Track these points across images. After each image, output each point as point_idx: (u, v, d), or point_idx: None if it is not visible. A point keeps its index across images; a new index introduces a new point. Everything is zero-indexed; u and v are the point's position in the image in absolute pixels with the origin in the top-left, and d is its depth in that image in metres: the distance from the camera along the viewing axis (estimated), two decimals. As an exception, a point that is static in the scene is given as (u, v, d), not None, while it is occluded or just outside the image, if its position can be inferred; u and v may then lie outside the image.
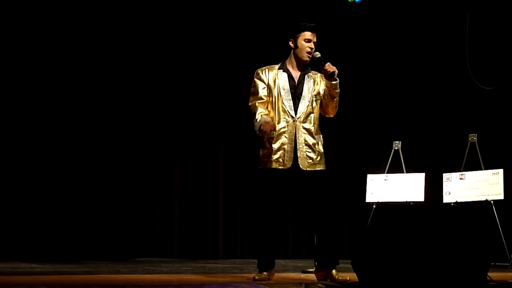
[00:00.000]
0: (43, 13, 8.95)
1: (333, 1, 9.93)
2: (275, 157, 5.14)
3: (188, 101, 9.82)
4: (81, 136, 9.10)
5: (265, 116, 5.10)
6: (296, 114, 5.17)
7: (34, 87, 8.93)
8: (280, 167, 5.12)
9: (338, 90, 5.18)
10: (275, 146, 5.14)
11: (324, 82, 5.23)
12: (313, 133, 5.19)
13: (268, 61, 5.35)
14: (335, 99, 5.22)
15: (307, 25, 5.20)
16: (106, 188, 9.16)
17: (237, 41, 9.96)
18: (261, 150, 5.25)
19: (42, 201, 8.81)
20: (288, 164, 5.13)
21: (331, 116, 5.35)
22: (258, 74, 5.27)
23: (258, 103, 5.21)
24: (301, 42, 5.19)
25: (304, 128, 5.17)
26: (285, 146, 5.14)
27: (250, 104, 5.25)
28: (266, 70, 5.27)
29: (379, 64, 10.54)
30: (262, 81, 5.25)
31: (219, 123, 10.02)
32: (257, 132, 5.10)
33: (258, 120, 5.10)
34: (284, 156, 5.13)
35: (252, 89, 5.28)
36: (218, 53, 9.94)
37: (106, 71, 9.29)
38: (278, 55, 5.29)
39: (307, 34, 5.19)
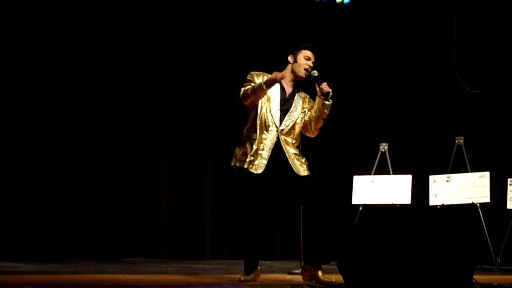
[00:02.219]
0: (34, 17, 8.92)
1: (321, 2, 9.92)
2: (250, 159, 5.17)
3: (175, 101, 9.78)
4: (67, 136, 9.05)
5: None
6: (280, 125, 5.20)
7: (23, 91, 8.88)
8: (251, 170, 5.15)
9: (328, 112, 5.25)
10: (254, 148, 5.17)
11: (312, 105, 5.32)
12: (295, 146, 5.29)
13: (254, 61, 5.34)
14: (322, 121, 5.28)
15: (309, 44, 5.33)
16: (92, 188, 9.11)
17: (224, 42, 9.93)
18: (237, 148, 5.30)
19: (27, 200, 8.75)
20: (260, 170, 5.15)
21: (312, 136, 5.45)
22: (252, 75, 5.27)
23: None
24: (301, 58, 5.30)
25: (286, 140, 5.23)
26: (262, 152, 5.17)
27: (243, 90, 5.20)
28: (261, 75, 5.26)
29: (366, 66, 10.54)
30: (255, 82, 5.23)
31: (206, 123, 10.00)
32: (266, 83, 5.07)
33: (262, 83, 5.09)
34: (258, 161, 5.14)
35: (245, 83, 5.26)
36: (208, 54, 9.89)
37: (94, 73, 9.23)
38: (262, 56, 5.29)
39: (308, 53, 5.30)
